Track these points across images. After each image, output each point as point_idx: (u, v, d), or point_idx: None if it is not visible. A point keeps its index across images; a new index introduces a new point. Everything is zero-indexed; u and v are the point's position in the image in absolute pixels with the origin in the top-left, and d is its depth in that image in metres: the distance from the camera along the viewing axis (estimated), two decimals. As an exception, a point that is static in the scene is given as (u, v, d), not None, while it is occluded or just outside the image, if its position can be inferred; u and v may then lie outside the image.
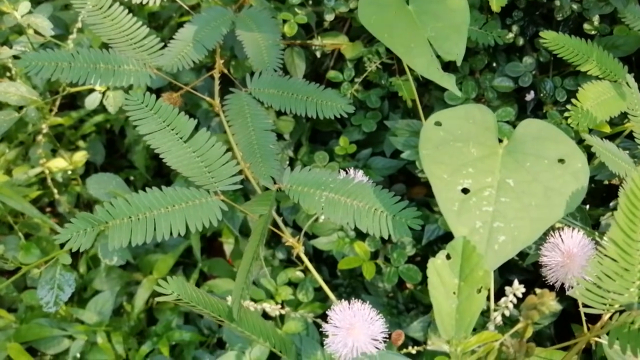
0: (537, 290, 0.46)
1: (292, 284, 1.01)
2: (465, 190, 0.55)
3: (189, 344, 1.02)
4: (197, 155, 0.63)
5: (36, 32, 0.95)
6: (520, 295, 0.50)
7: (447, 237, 0.95)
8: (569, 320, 0.88)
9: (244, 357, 0.90)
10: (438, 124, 0.58)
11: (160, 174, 1.25)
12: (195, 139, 0.65)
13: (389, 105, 1.01)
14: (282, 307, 0.69)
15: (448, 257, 0.51)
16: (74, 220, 0.60)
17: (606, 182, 0.89)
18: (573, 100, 0.73)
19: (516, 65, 0.91)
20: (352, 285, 1.02)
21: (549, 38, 0.77)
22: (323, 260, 1.07)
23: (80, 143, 1.26)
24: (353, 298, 1.01)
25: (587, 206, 0.92)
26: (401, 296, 0.99)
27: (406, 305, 0.99)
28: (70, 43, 0.96)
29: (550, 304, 0.44)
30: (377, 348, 0.53)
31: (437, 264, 0.50)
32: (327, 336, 0.54)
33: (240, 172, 0.65)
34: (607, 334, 0.55)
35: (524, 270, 0.95)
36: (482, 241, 0.52)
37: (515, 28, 0.91)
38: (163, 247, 1.11)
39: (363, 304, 0.55)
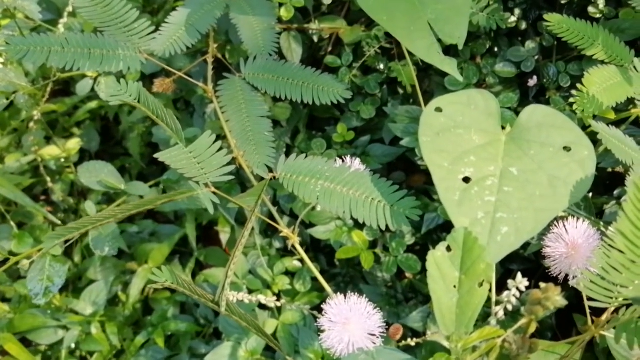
0: (542, 285, 0.44)
1: (290, 274, 0.99)
2: (466, 179, 0.52)
3: (185, 334, 1.00)
4: (184, 146, 0.60)
5: (26, 16, 0.93)
6: (524, 289, 0.48)
7: (447, 225, 0.93)
8: (570, 310, 0.86)
9: (240, 348, 0.89)
10: (439, 110, 0.56)
11: (155, 162, 1.22)
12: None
13: (388, 91, 0.98)
14: (279, 299, 0.67)
15: (448, 249, 0.49)
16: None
17: (610, 170, 0.87)
18: (578, 86, 0.70)
19: (518, 49, 0.88)
20: (350, 275, 1.01)
21: (554, 21, 0.74)
22: (321, 249, 1.05)
23: (75, 130, 1.23)
24: (351, 288, 1.00)
25: (591, 194, 0.90)
26: (400, 286, 0.98)
27: (405, 295, 0.98)
28: (60, 27, 0.93)
29: (556, 299, 0.42)
30: (373, 343, 0.52)
31: (437, 257, 0.48)
32: (322, 330, 0.52)
33: (233, 161, 0.62)
34: (613, 328, 0.54)
35: (525, 259, 0.93)
36: (484, 232, 0.50)
37: (517, 11, 0.88)
38: (158, 236, 1.09)
39: (359, 297, 0.53)
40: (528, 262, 0.93)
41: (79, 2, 0.72)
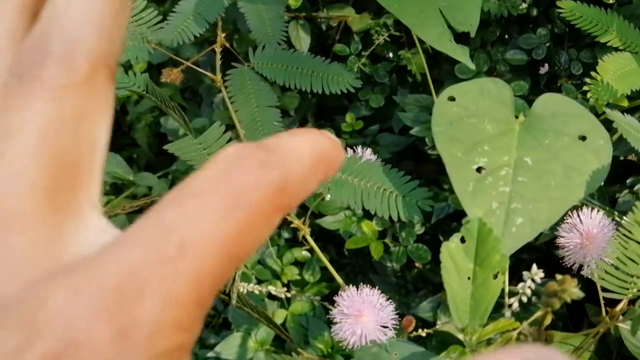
0: (558, 276, 0.43)
1: (299, 264, 0.99)
2: (480, 169, 0.52)
3: (194, 324, 1.00)
4: (194, 137, 0.60)
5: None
6: (539, 280, 0.48)
7: (457, 215, 0.92)
8: (582, 299, 0.85)
9: (250, 339, 0.89)
10: (451, 99, 0.55)
11: (164, 152, 1.21)
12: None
13: (397, 80, 0.97)
14: (288, 290, 0.66)
15: (462, 240, 0.48)
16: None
17: (622, 158, 0.86)
18: (593, 74, 0.69)
19: (530, 37, 0.87)
20: (359, 265, 1.00)
21: (567, 8, 0.73)
22: (330, 239, 1.04)
23: (82, 120, 1.23)
24: (360, 278, 1.00)
25: (603, 183, 0.89)
26: (410, 276, 0.97)
27: (415, 285, 0.97)
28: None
29: (572, 290, 0.42)
30: (386, 335, 0.51)
31: (450, 248, 0.48)
32: (334, 322, 0.52)
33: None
34: (629, 319, 0.53)
35: (536, 249, 0.92)
36: (499, 223, 0.49)
37: (529, -3, 0.87)
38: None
39: (372, 289, 0.52)
40: (539, 252, 0.92)
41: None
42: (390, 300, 0.53)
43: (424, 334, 0.72)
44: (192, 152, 0.59)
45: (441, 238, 0.96)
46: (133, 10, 0.72)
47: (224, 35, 0.81)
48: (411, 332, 0.72)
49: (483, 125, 0.53)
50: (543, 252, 0.93)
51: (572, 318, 0.94)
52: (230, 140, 0.60)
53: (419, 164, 1.00)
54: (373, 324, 0.51)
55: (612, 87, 0.68)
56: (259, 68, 0.76)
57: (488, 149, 0.52)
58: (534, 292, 0.72)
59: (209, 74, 0.76)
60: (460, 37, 0.88)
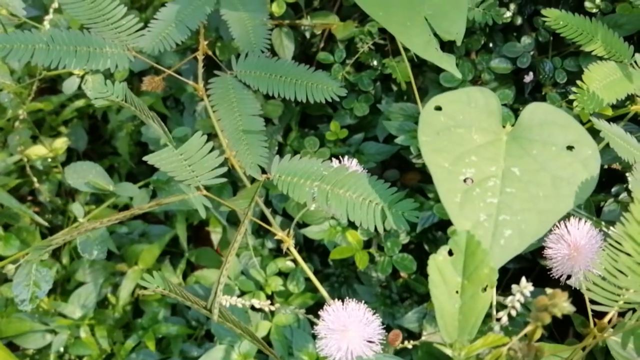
0: (548, 290, 0.43)
1: (283, 274, 0.97)
2: (467, 181, 0.51)
3: (176, 337, 0.98)
4: (174, 147, 0.58)
5: (10, 13, 0.90)
6: (529, 294, 0.47)
7: (442, 224, 0.92)
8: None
9: (233, 351, 0.87)
10: (438, 108, 0.54)
11: (145, 161, 1.20)
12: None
13: (382, 88, 0.97)
14: (272, 303, 0.65)
15: (450, 253, 0.47)
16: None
17: (606, 167, 0.86)
18: (578, 82, 0.69)
19: (514, 45, 0.87)
20: (344, 275, 0.99)
21: (552, 16, 0.73)
22: (314, 249, 1.03)
23: (62, 129, 1.21)
24: (345, 288, 0.99)
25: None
26: (395, 286, 0.96)
27: (400, 295, 0.96)
28: (46, 24, 0.91)
29: (563, 305, 0.41)
30: (373, 350, 0.50)
31: (438, 261, 0.47)
32: (319, 338, 0.50)
33: (225, 161, 0.60)
34: (615, 330, 0.52)
35: (521, 258, 0.92)
36: (487, 236, 0.48)
37: (512, 6, 0.87)
38: (148, 236, 1.07)
39: (358, 303, 0.51)
40: (525, 261, 0.92)
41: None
42: (375, 314, 0.52)
43: (410, 346, 0.71)
44: (173, 164, 0.57)
45: (426, 247, 0.96)
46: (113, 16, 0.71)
47: (206, 42, 0.79)
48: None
49: (470, 135, 0.52)
50: (529, 262, 0.92)
51: (557, 327, 0.93)
52: (212, 150, 0.59)
53: (403, 172, 1.00)
54: (359, 339, 0.50)
55: (597, 96, 0.68)
56: (241, 76, 0.74)
57: (475, 159, 0.51)
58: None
59: (190, 82, 0.75)
60: (444, 46, 0.87)
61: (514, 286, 0.47)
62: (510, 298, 0.47)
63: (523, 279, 0.46)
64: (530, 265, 0.92)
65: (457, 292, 0.46)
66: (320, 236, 0.93)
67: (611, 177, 0.87)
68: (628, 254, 0.45)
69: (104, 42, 0.70)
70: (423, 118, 0.53)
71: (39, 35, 0.66)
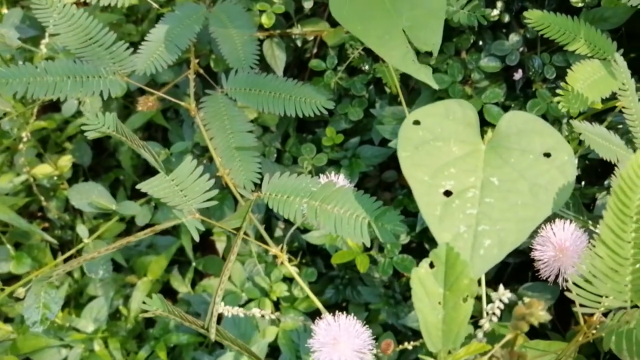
0: (526, 300, 0.44)
1: (287, 279, 0.99)
2: (447, 193, 0.52)
3: (187, 345, 1.01)
4: (166, 174, 0.60)
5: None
6: (507, 301, 0.49)
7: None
8: (568, 300, 0.86)
9: (242, 358, 0.89)
10: (417, 122, 0.55)
11: (150, 172, 1.22)
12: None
13: (375, 91, 0.98)
14: (278, 306, 0.67)
15: (431, 265, 0.49)
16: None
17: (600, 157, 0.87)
18: (562, 84, 0.70)
19: (502, 43, 0.88)
20: (347, 277, 1.01)
21: (534, 18, 0.74)
22: (317, 252, 1.05)
23: (67, 145, 1.23)
24: (349, 289, 1.00)
25: (583, 183, 0.89)
26: (398, 285, 0.98)
27: (403, 294, 0.98)
28: (42, 48, 0.93)
29: (539, 314, 0.42)
30: (364, 361, 0.52)
31: (420, 274, 0.48)
32: (312, 351, 0.52)
33: (219, 180, 0.62)
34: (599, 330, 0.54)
35: (520, 252, 0.93)
36: (467, 247, 0.49)
37: (500, 4, 0.88)
38: (156, 247, 1.10)
39: (348, 316, 0.53)
40: (524, 255, 0.93)
41: (56, 29, 0.72)
42: (366, 326, 0.53)
43: (410, 347, 0.73)
44: (165, 190, 0.59)
45: (427, 246, 0.97)
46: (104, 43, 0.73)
47: (197, 61, 0.81)
48: (399, 342, 0.72)
49: (449, 147, 0.54)
50: (528, 255, 0.93)
51: (560, 318, 0.94)
52: (202, 174, 0.60)
53: (401, 173, 1.01)
54: (350, 350, 0.51)
55: (582, 95, 0.69)
56: (232, 94, 0.76)
57: (454, 171, 0.53)
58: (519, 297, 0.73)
59: (182, 103, 0.76)
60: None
61: (493, 294, 0.48)
62: (490, 305, 0.48)
63: (501, 287, 0.48)
64: (530, 260, 0.93)
65: (439, 303, 0.48)
66: (321, 241, 0.94)
67: (606, 168, 0.87)
68: (604, 260, 0.46)
69: (96, 70, 0.72)
70: (402, 133, 0.54)
71: (33, 68, 0.68)
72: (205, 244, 1.14)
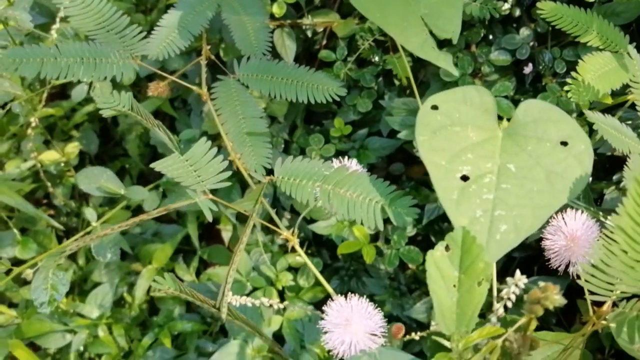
0: (541, 284, 0.44)
1: (293, 269, 0.99)
2: (464, 178, 0.52)
3: (191, 333, 1.01)
4: (180, 154, 0.60)
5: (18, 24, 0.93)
6: (523, 286, 0.49)
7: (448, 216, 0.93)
8: (574, 294, 0.86)
9: (247, 346, 0.89)
10: (435, 107, 0.55)
11: (157, 160, 1.22)
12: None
13: (384, 83, 0.98)
14: (283, 298, 0.67)
15: (447, 248, 0.49)
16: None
17: (609, 154, 0.87)
18: (573, 74, 0.70)
19: (513, 37, 0.88)
20: (353, 268, 1.01)
21: (547, 9, 0.74)
22: (323, 243, 1.05)
23: (74, 132, 1.23)
24: (355, 281, 1.00)
25: (590, 179, 0.90)
26: (403, 277, 0.98)
27: (409, 286, 0.98)
28: (53, 33, 0.93)
29: (555, 298, 0.42)
30: (375, 343, 0.52)
31: (435, 256, 0.49)
32: (324, 332, 0.52)
33: (230, 164, 0.62)
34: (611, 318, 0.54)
35: (527, 246, 0.93)
36: (483, 231, 0.50)
37: (511, -2, 0.88)
38: (161, 236, 1.10)
39: (360, 298, 0.53)
40: (530, 249, 0.93)
41: (69, 11, 0.72)
42: (382, 303, 0.53)
43: (417, 337, 0.73)
44: (179, 170, 0.59)
45: (433, 239, 0.97)
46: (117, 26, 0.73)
47: (209, 47, 0.81)
48: (405, 335, 0.72)
49: (466, 133, 0.54)
50: (534, 250, 0.94)
51: (564, 313, 0.94)
52: (217, 155, 0.61)
53: (408, 165, 1.01)
54: (362, 332, 0.51)
55: (593, 87, 0.69)
56: (244, 80, 0.76)
57: (472, 156, 0.53)
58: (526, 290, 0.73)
59: (194, 87, 0.77)
60: (444, 40, 0.88)
61: (508, 279, 0.48)
62: (505, 290, 0.48)
63: (517, 272, 0.48)
64: (537, 254, 0.94)
65: (454, 286, 0.48)
66: (328, 231, 0.95)
67: (614, 164, 0.88)
68: (622, 249, 0.46)
69: (108, 52, 0.72)
70: (420, 118, 0.54)
71: (47, 49, 0.68)
72: (210, 233, 1.14)
